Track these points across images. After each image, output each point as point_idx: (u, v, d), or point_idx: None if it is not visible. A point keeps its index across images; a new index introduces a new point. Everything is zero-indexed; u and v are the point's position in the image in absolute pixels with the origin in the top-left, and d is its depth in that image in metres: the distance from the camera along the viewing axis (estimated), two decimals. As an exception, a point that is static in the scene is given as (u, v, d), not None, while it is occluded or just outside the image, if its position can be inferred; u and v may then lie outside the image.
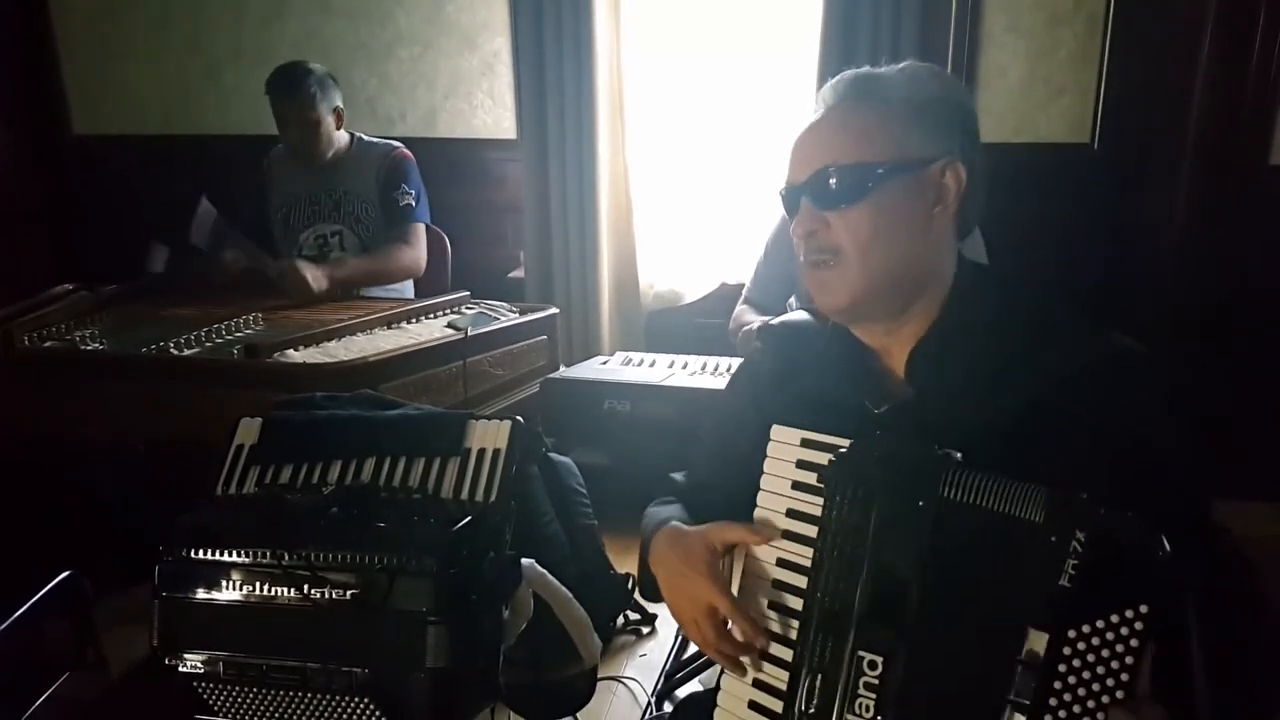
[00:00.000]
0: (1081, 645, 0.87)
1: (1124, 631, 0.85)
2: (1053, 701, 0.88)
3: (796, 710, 1.01)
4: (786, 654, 1.04)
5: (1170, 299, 3.02)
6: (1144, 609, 0.85)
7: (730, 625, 1.08)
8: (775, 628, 1.06)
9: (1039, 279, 1.15)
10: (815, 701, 0.99)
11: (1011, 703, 0.89)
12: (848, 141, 1.08)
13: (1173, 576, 0.87)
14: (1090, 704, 0.87)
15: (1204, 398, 2.80)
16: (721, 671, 1.11)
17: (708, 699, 1.15)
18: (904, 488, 0.97)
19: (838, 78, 1.14)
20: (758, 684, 1.07)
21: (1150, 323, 2.89)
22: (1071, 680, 0.87)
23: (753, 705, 1.07)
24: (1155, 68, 2.98)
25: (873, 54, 3.04)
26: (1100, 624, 0.86)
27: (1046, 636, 0.88)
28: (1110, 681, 0.86)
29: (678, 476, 1.38)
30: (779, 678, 1.04)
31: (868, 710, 0.97)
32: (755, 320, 2.47)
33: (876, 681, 0.96)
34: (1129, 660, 0.85)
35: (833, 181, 1.07)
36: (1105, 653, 0.86)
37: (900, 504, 0.97)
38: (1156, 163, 3.04)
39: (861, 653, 0.97)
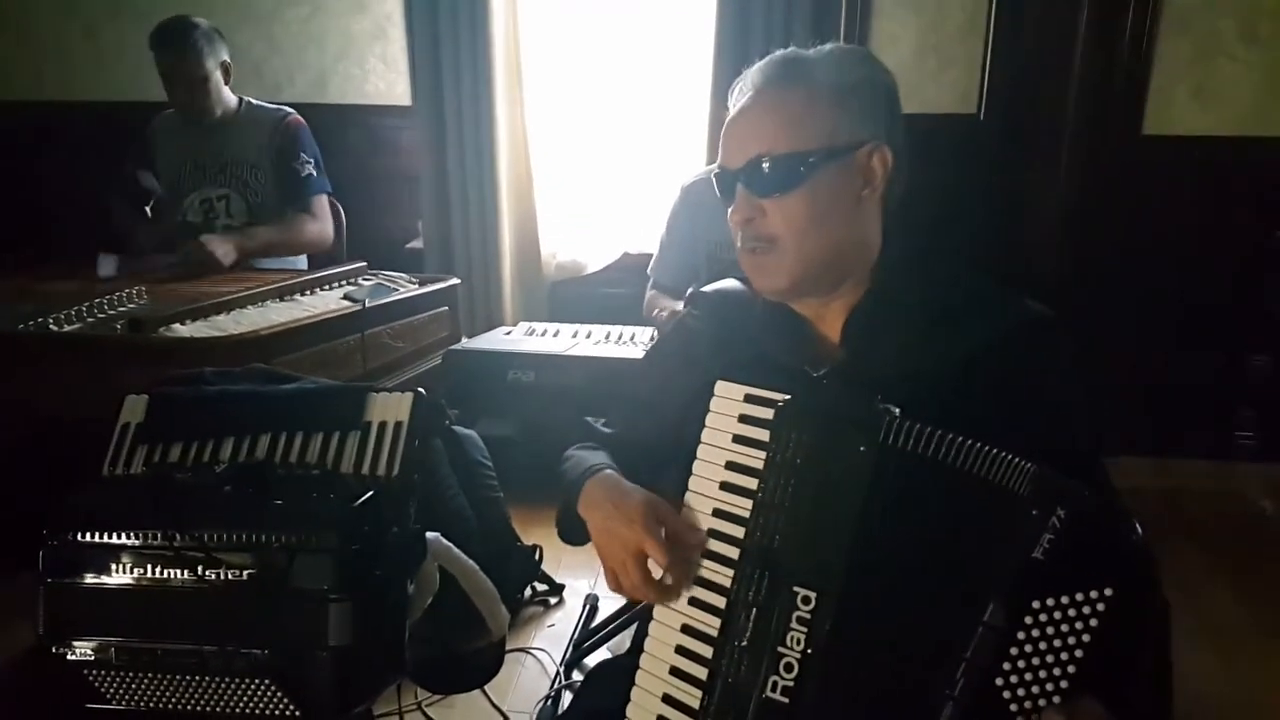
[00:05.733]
0: (1043, 618, 0.90)
1: (1085, 610, 0.88)
2: (1006, 666, 0.91)
3: (731, 644, 1.03)
4: (719, 600, 1.05)
5: (1056, 263, 3.16)
6: (1108, 591, 0.88)
7: (660, 572, 1.08)
8: (707, 575, 1.06)
9: (932, 246, 1.20)
10: (748, 635, 1.02)
11: (967, 661, 0.92)
12: (780, 128, 1.11)
13: (1141, 564, 0.91)
14: (1042, 674, 0.90)
15: (1091, 357, 2.94)
16: (648, 620, 1.11)
17: (617, 666, 1.16)
18: (846, 432, 0.99)
19: (766, 60, 1.15)
20: (686, 629, 1.07)
21: (1036, 285, 3.00)
22: (1028, 649, 0.90)
23: (680, 649, 1.07)
24: (1037, 41, 3.09)
25: (767, 19, 3.08)
26: (1065, 599, 0.89)
27: (1009, 603, 0.91)
28: (1064, 656, 0.89)
29: (597, 424, 1.36)
30: (709, 623, 1.05)
31: (798, 643, 0.99)
32: (670, 306, 2.49)
33: (809, 616, 0.99)
34: (1085, 638, 0.88)
35: (766, 168, 1.10)
36: (1065, 627, 0.89)
37: (843, 448, 0.99)
38: (1041, 133, 3.16)
39: (796, 588, 1.00)
